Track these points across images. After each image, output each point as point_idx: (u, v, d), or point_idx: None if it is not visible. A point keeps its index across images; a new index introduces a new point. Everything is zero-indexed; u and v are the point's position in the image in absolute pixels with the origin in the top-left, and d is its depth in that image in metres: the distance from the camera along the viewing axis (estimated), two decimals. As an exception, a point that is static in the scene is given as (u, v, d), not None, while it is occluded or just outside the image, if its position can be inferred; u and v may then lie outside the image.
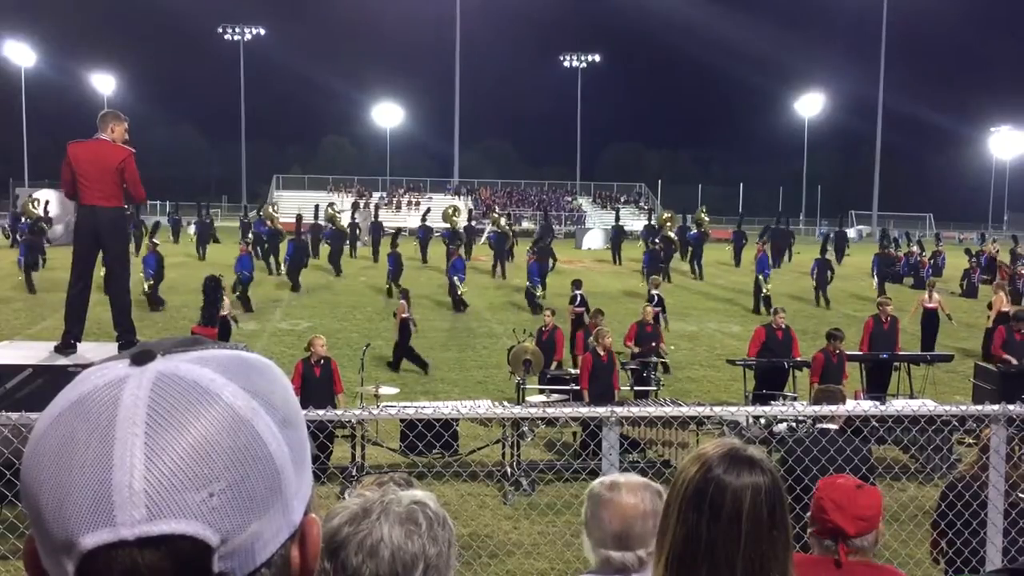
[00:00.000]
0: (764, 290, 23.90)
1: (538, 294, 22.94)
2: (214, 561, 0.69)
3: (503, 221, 36.29)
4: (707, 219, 38.30)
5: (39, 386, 7.67)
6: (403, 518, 1.56)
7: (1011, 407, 4.84)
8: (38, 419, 0.75)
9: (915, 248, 35.51)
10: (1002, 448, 4.84)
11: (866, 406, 8.83)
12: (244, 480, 0.71)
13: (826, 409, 5.62)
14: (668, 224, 35.67)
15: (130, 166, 7.75)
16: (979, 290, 29.20)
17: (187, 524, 0.68)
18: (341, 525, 1.56)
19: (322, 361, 10.74)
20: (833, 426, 6.35)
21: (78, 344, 8.34)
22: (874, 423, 9.86)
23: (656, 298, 17.82)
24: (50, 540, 0.70)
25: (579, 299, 17.21)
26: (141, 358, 0.75)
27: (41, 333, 16.87)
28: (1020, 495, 5.08)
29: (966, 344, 19.23)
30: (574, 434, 10.90)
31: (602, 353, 11.41)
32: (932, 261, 34.30)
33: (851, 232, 71.90)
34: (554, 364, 13.60)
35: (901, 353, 14.22)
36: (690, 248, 34.69)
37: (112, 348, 8.37)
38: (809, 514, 3.03)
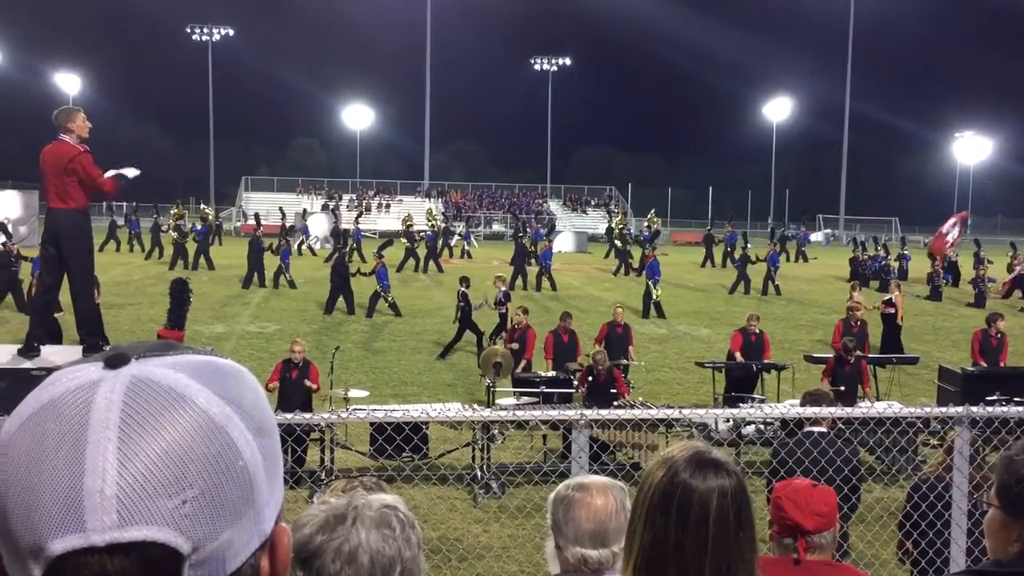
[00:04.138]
0: (655, 295, 23.60)
1: (388, 300, 22.43)
2: (184, 569, 0.69)
3: (439, 220, 40.84)
4: (658, 220, 41.90)
5: (1, 389, 7.55)
6: (378, 522, 1.56)
7: (974, 409, 4.90)
8: (6, 421, 0.74)
9: (881, 251, 36.01)
10: (966, 449, 4.90)
11: (833, 407, 8.91)
12: (217, 488, 0.70)
13: (792, 411, 5.68)
14: (621, 226, 39.38)
15: (83, 163, 7.56)
16: (943, 293, 29.64)
17: (158, 531, 0.67)
18: (313, 534, 1.55)
19: (300, 364, 10.69)
20: (821, 428, 6.42)
21: (42, 347, 8.23)
22: (840, 424, 9.96)
23: (506, 294, 18.34)
24: (16, 544, 0.69)
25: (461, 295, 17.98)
26: (115, 361, 0.73)
27: (2, 336, 16.63)
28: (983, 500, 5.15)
29: (927, 347, 19.46)
30: (544, 437, 10.91)
31: (600, 370, 11.53)
32: (898, 264, 34.84)
33: (818, 236, 72.63)
34: (523, 363, 13.61)
35: (869, 355, 14.37)
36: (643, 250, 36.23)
37: (78, 352, 8.28)
38: (768, 519, 3.07)
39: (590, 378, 11.64)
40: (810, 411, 6.02)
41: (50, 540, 0.67)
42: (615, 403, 11.06)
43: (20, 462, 0.69)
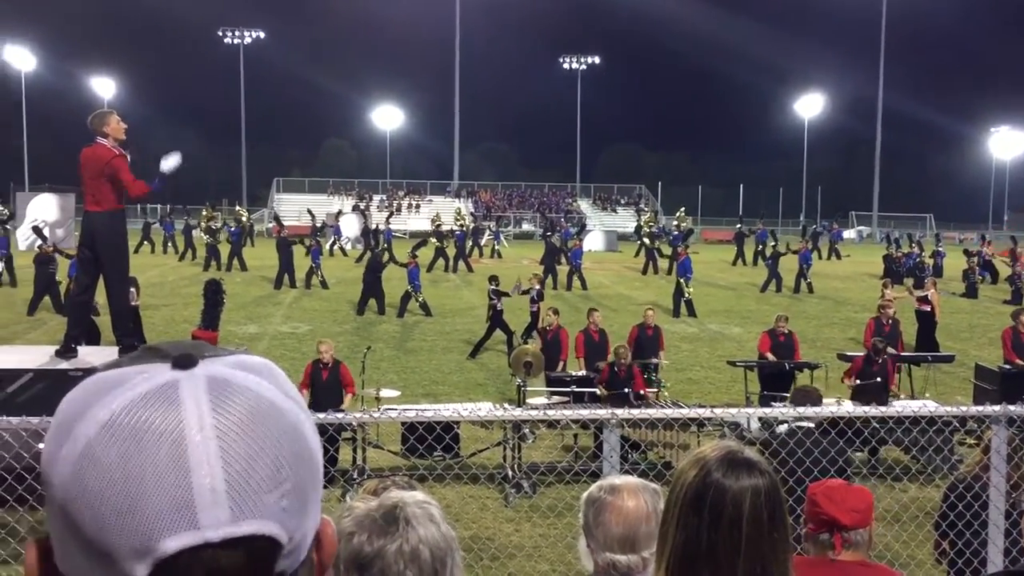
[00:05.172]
0: (686, 294, 23.41)
1: (419, 300, 22.46)
2: (279, 560, 0.72)
3: (468, 220, 41.85)
4: (688, 218, 42.74)
5: (40, 390, 7.67)
6: (426, 518, 1.60)
7: (1012, 408, 4.83)
8: (76, 425, 0.72)
9: (915, 248, 35.62)
10: (1003, 449, 4.84)
11: (867, 406, 8.82)
12: (303, 481, 0.74)
13: (827, 411, 5.63)
14: (651, 224, 39.92)
15: (116, 167, 7.64)
16: (979, 290, 29.25)
17: (266, 524, 0.71)
18: (366, 540, 1.58)
19: (329, 364, 10.77)
20: (809, 424, 6.40)
21: (79, 348, 8.35)
22: (875, 424, 9.85)
23: (538, 293, 18.34)
24: (112, 548, 0.69)
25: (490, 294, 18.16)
26: (184, 362, 0.75)
27: (39, 338, 16.88)
28: (1021, 500, 5.08)
29: (963, 345, 19.23)
30: (575, 436, 10.90)
31: (623, 363, 11.45)
32: (932, 261, 34.44)
33: (851, 233, 71.97)
34: (560, 365, 13.56)
35: (903, 354, 14.22)
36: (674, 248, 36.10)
37: (114, 352, 8.39)
38: (803, 518, 3.06)
39: (610, 374, 11.55)
40: (844, 410, 5.97)
41: (162, 539, 0.68)
42: (636, 402, 11.04)
43: (115, 465, 0.69)
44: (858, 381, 11.66)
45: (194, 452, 0.69)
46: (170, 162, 7.90)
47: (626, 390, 11.41)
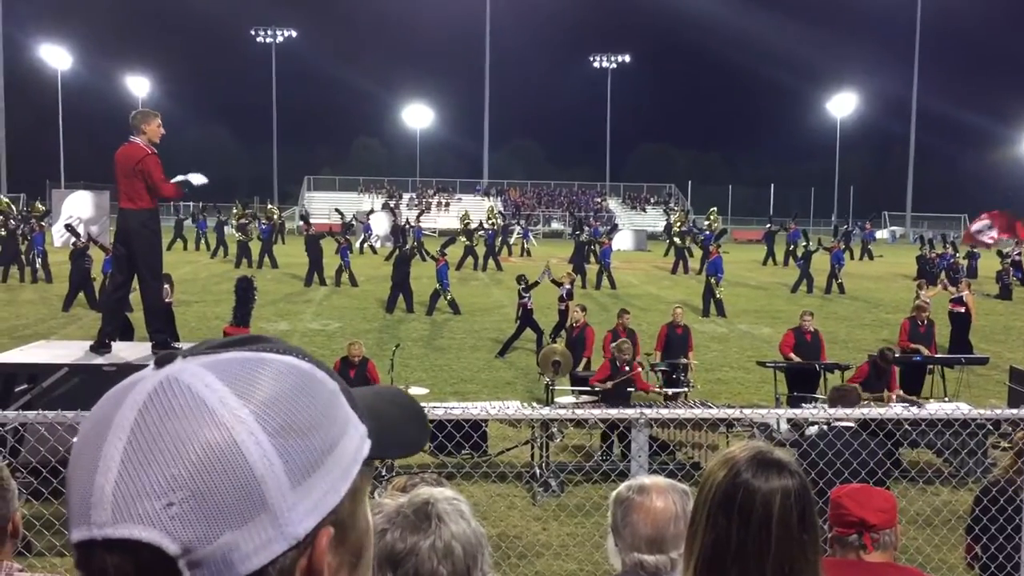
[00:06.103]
0: (717, 293, 23.23)
1: (447, 298, 22.42)
2: (182, 569, 0.69)
3: (500, 219, 41.91)
4: (719, 218, 42.88)
5: (75, 385, 7.78)
6: (456, 514, 1.61)
7: (1047, 411, 4.77)
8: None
9: (949, 249, 35.19)
10: (1037, 452, 4.77)
11: (899, 409, 8.75)
12: (211, 490, 0.70)
13: (857, 412, 5.58)
14: (680, 223, 39.96)
15: (148, 166, 7.74)
16: (1013, 291, 28.84)
17: (143, 531, 0.69)
18: (395, 539, 1.59)
19: (357, 362, 10.88)
20: (850, 424, 6.35)
21: (113, 344, 8.45)
22: (907, 426, 9.75)
23: (568, 292, 18.36)
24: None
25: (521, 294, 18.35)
26: (162, 361, 0.77)
27: (74, 333, 17.11)
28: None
29: (997, 347, 18.98)
30: (603, 435, 10.87)
31: (625, 359, 11.37)
32: (967, 262, 34.00)
33: (884, 233, 71.20)
34: (583, 362, 13.54)
35: (936, 355, 14.06)
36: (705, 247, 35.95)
37: (147, 348, 8.50)
38: (828, 523, 3.05)
39: (612, 369, 11.41)
40: (876, 412, 5.92)
41: (72, 528, 0.72)
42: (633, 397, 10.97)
43: (73, 452, 0.75)
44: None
45: (105, 451, 0.71)
46: (199, 179, 8.14)
47: (629, 390, 11.27)
